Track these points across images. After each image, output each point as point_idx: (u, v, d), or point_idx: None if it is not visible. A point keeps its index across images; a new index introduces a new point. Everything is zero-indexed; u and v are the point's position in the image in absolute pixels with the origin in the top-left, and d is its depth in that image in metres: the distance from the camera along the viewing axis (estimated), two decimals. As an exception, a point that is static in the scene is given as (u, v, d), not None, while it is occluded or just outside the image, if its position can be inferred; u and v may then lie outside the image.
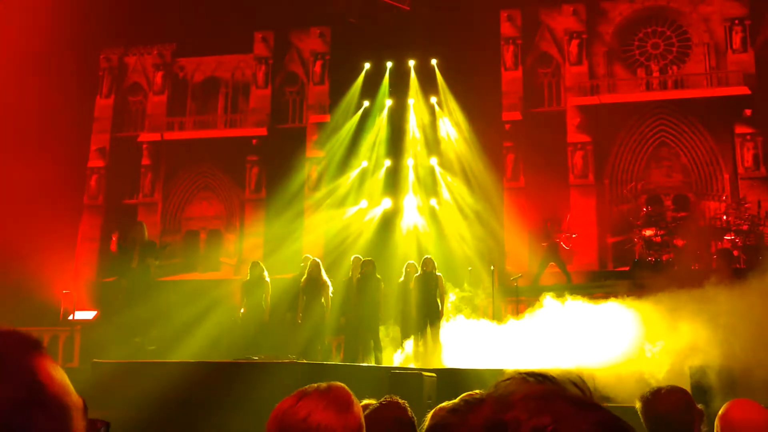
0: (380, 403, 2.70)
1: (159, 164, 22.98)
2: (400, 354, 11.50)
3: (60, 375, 0.81)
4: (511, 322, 9.93)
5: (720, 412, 2.56)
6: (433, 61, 20.78)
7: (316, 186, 21.31)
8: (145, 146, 23.04)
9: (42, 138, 19.14)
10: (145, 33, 22.71)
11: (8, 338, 0.80)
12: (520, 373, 0.68)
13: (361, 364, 9.48)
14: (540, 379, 0.67)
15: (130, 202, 22.76)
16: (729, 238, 15.08)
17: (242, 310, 12.20)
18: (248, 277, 12.28)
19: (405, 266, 12.73)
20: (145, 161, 22.95)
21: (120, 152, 23.11)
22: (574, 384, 0.67)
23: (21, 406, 0.74)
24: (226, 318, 13.03)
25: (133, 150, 23.01)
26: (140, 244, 12.17)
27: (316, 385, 1.72)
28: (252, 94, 23.11)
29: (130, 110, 23.82)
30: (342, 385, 1.75)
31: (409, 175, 20.04)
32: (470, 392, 1.90)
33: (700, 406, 2.90)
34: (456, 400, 0.68)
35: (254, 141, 22.40)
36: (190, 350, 11.22)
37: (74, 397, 0.81)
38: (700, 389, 6.92)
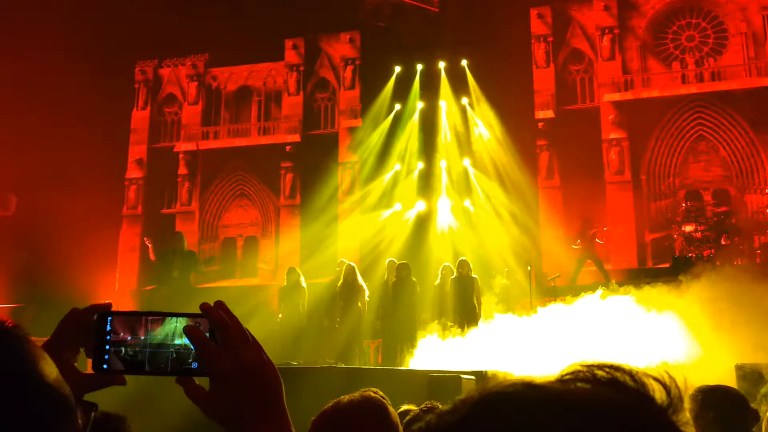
0: (420, 409, 2.68)
1: (195, 173, 23.30)
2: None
3: (49, 362, 0.82)
4: (549, 319, 9.80)
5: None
6: (464, 62, 20.70)
7: (350, 190, 21.38)
8: (181, 156, 23.39)
9: (82, 152, 19.55)
10: (178, 44, 23.07)
11: None
12: (585, 366, 0.62)
13: (399, 368, 9.47)
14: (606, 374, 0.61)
15: (168, 212, 23.13)
16: (773, 232, 14.71)
17: (280, 316, 12.29)
18: (285, 283, 12.39)
19: (441, 269, 12.70)
20: (182, 171, 23.30)
21: (157, 163, 23.50)
22: (659, 381, 0.61)
23: (22, 395, 0.74)
24: (265, 324, 13.13)
25: (169, 160, 23.38)
26: (180, 255, 12.34)
27: (348, 397, 1.72)
28: (284, 101, 23.31)
29: (165, 121, 24.22)
30: (375, 395, 1.75)
31: (443, 177, 19.97)
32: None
33: (753, 405, 2.83)
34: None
35: (288, 147, 22.58)
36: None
37: (65, 384, 0.81)
38: (747, 390, 6.75)
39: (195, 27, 21.77)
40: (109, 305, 1.08)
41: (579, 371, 0.62)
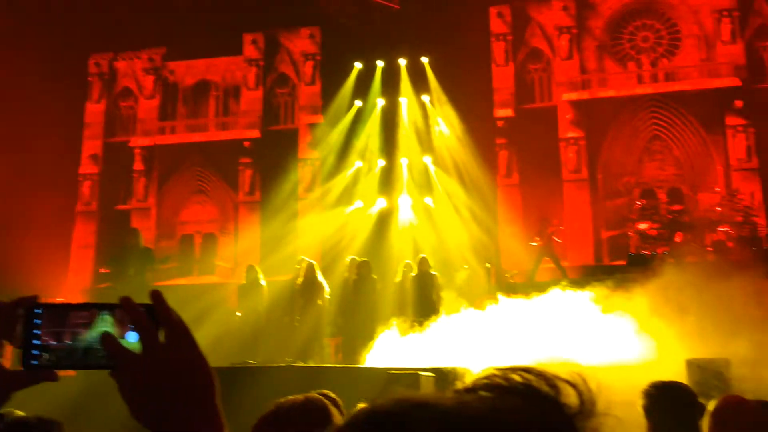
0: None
1: (152, 169, 22.91)
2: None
3: None
4: (507, 314, 9.88)
5: (711, 408, 2.55)
6: (424, 60, 20.74)
7: (310, 187, 21.28)
8: (137, 151, 22.96)
9: (32, 145, 19.03)
10: (134, 37, 22.62)
11: None
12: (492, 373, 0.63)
13: (358, 366, 9.45)
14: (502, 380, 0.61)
15: (123, 208, 22.69)
16: (723, 230, 15.11)
17: (239, 314, 12.15)
18: (244, 281, 12.24)
19: (401, 266, 12.71)
20: (138, 166, 22.88)
21: (112, 158, 23.03)
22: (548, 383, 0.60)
23: None
24: (223, 322, 12.97)
25: (125, 155, 22.93)
26: (136, 252, 12.10)
27: (291, 399, 1.69)
28: (243, 96, 23.07)
29: (121, 115, 23.75)
30: (318, 397, 1.73)
31: (404, 175, 20.00)
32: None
33: (701, 400, 2.89)
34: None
35: (247, 143, 22.36)
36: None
37: None
38: (697, 384, 6.91)
39: (152, 20, 21.37)
40: (36, 297, 1.02)
41: (493, 376, 0.61)
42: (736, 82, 20.03)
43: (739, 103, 19.82)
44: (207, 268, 21.69)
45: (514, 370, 0.62)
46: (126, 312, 1.02)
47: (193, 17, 20.78)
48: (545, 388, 0.60)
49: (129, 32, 22.09)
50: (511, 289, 13.15)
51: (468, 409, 0.59)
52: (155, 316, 1.02)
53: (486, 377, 0.63)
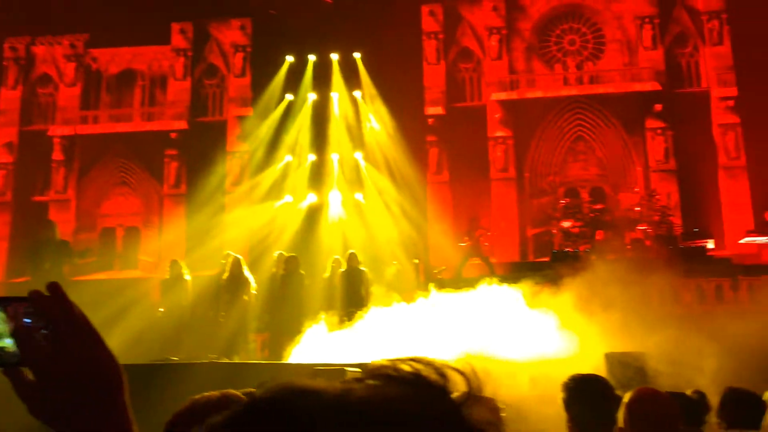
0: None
1: (72, 159, 22.03)
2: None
3: None
4: (434, 309, 9.95)
5: (625, 401, 2.60)
6: (356, 55, 20.69)
7: (239, 180, 20.92)
8: (56, 140, 22.01)
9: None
10: (54, 22, 21.66)
11: None
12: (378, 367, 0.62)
13: (283, 362, 9.33)
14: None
15: (41, 199, 21.72)
16: (642, 228, 15.69)
17: (161, 309, 11.81)
18: (167, 276, 11.89)
19: (330, 261, 12.65)
20: (57, 156, 21.94)
21: (29, 147, 22.01)
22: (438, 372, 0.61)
23: None
24: (145, 318, 12.59)
25: (43, 144, 21.95)
26: (52, 245, 11.59)
27: (209, 394, 1.61)
28: (170, 86, 22.45)
29: (39, 103, 22.72)
30: (235, 394, 1.65)
31: (334, 170, 19.91)
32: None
33: (618, 392, 2.94)
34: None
35: (173, 135, 21.77)
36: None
37: None
38: (616, 377, 7.13)
39: (74, 4, 20.52)
40: None
41: (383, 366, 0.62)
42: (656, 86, 20.85)
43: (658, 107, 20.64)
44: (129, 263, 21.02)
45: (403, 360, 0.62)
46: (32, 303, 0.95)
47: (119, 4, 20.06)
48: (434, 376, 0.61)
49: (49, 16, 21.15)
50: (439, 285, 13.27)
51: (353, 396, 0.58)
52: (51, 310, 0.95)
53: (376, 367, 0.62)
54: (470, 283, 11.05)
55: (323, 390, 0.58)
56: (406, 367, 0.61)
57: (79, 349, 0.95)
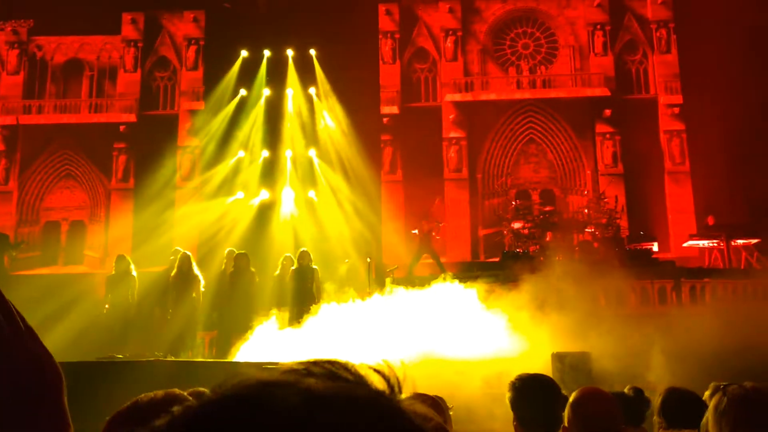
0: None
1: (14, 150, 21.31)
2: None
3: None
4: (385, 307, 9.96)
5: (570, 400, 2.63)
6: (312, 52, 20.58)
7: (189, 176, 20.57)
8: (-3, 130, 21.28)
9: None
10: (-3, 7, 20.94)
11: None
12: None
13: (231, 361, 9.21)
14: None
15: (-20, 191, 20.96)
16: (590, 230, 15.98)
17: (107, 306, 11.52)
18: (113, 271, 11.61)
19: (281, 259, 12.55)
20: (-2, 146, 21.21)
21: (-31, 136, 21.21)
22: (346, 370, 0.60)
23: None
24: (90, 314, 12.28)
25: (-17, 134, 21.19)
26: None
27: (153, 393, 1.55)
28: (119, 78, 21.92)
29: (-21, 91, 21.91)
30: (181, 392, 1.60)
31: (287, 167, 19.76)
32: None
33: (564, 392, 2.97)
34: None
35: (122, 127, 21.27)
36: (49, 349, 10.44)
37: None
38: (561, 376, 7.25)
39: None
40: None
41: (292, 370, 0.59)
42: (605, 92, 21.32)
43: (607, 112, 21.11)
44: (74, 258, 20.46)
45: (316, 363, 0.60)
46: None
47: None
48: (348, 375, 0.59)
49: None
50: (392, 283, 13.28)
51: (321, 389, 0.56)
52: None
53: (286, 369, 0.59)
54: (421, 282, 11.11)
55: (290, 383, 0.55)
56: (317, 369, 0.59)
57: (15, 348, 0.91)
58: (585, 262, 11.52)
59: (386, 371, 0.61)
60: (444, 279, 10.90)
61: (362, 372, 0.60)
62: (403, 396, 0.61)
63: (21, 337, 0.94)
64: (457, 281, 10.54)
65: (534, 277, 10.05)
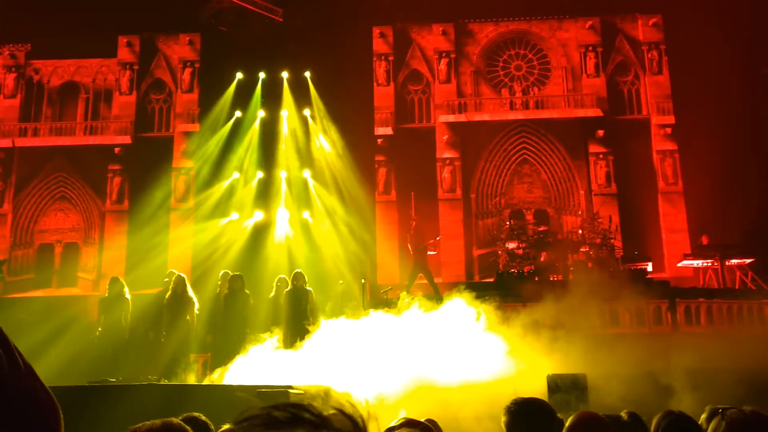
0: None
1: (9, 172, 21.29)
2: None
3: None
4: (380, 331, 9.91)
5: (566, 425, 2.63)
6: (306, 74, 20.71)
7: (184, 197, 20.55)
8: (-8, 153, 21.28)
9: None
10: (-7, 31, 21.02)
11: None
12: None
13: (225, 384, 9.14)
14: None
15: (-26, 213, 20.90)
16: (584, 250, 16.00)
17: (100, 329, 11.45)
18: (107, 294, 11.56)
19: (276, 280, 12.51)
20: (-7, 169, 21.19)
21: (-36, 159, 21.20)
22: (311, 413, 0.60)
23: None
24: (83, 337, 12.20)
25: (-23, 157, 21.18)
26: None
27: (150, 422, 1.56)
28: (115, 100, 21.98)
29: (-25, 114, 21.92)
30: (179, 421, 1.60)
31: (282, 188, 19.79)
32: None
33: (560, 416, 2.97)
34: None
35: (117, 149, 21.29)
36: (42, 373, 10.31)
37: None
38: (556, 397, 7.23)
39: (16, 14, 19.96)
40: None
41: (257, 416, 0.59)
42: (598, 112, 21.49)
43: (600, 133, 21.26)
44: (68, 280, 20.36)
45: (278, 406, 0.60)
46: None
47: (63, 14, 19.59)
48: (311, 418, 0.59)
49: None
50: (385, 305, 13.24)
51: None
52: None
53: (248, 416, 0.59)
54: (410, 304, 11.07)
55: None
56: (280, 414, 0.59)
57: (14, 388, 0.91)
58: (580, 282, 11.52)
59: (350, 410, 0.61)
60: (437, 301, 10.88)
61: (325, 414, 0.59)
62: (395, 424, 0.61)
63: (20, 376, 0.94)
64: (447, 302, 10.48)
65: (529, 297, 10.05)
